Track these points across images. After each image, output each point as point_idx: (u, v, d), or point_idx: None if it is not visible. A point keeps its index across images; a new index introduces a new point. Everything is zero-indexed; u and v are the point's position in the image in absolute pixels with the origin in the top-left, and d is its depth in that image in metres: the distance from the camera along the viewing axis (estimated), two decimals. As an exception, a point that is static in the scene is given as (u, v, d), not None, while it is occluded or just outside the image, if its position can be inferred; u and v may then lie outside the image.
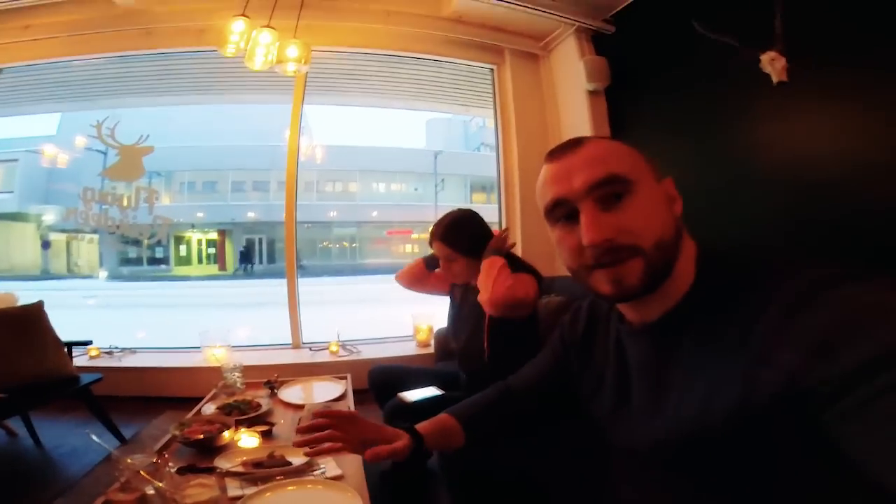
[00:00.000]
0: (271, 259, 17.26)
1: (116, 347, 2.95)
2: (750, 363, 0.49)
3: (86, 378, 2.04)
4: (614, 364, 0.69)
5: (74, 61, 3.15)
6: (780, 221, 1.98)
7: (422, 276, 1.90)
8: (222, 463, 1.13)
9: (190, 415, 1.49)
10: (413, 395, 1.56)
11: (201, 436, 1.23)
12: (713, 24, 2.08)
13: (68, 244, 15.61)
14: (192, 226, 16.66)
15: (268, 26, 2.40)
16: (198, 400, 1.73)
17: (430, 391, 1.60)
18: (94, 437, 1.06)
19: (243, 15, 2.37)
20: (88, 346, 2.72)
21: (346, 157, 16.80)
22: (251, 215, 16.83)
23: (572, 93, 3.10)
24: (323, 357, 2.95)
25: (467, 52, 3.32)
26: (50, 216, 14.16)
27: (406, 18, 3.07)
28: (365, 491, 1.02)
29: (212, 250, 17.76)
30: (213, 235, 17.59)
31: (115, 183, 3.21)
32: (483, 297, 1.45)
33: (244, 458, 1.14)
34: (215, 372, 2.08)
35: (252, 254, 17.14)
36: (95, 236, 13.84)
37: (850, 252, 1.72)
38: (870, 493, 0.40)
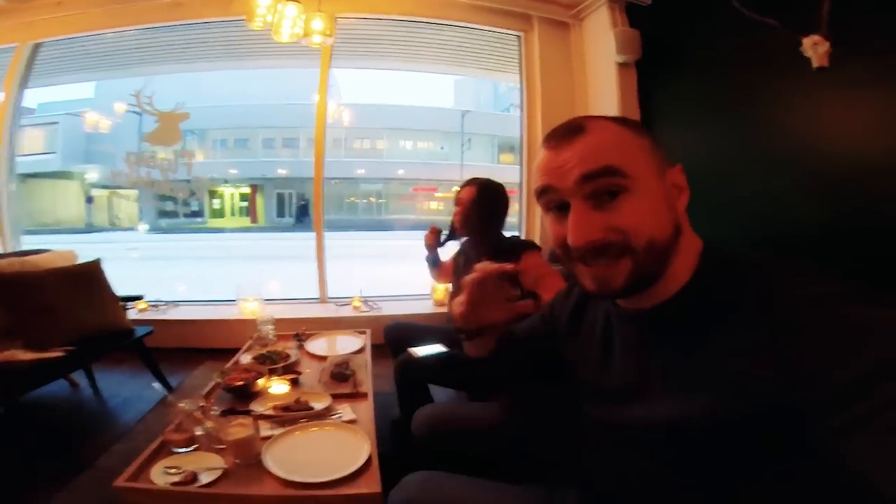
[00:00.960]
0: (302, 213, 17.69)
1: (161, 301, 3.21)
2: (735, 373, 0.48)
3: (139, 331, 2.25)
4: (599, 343, 0.69)
5: (107, 33, 3.24)
6: (812, 211, 1.92)
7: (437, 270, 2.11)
8: (256, 407, 1.32)
9: (229, 364, 1.69)
10: (421, 350, 1.70)
11: (240, 382, 1.41)
12: (754, 4, 1.99)
13: (110, 199, 16.35)
14: (225, 181, 17.11)
15: None
16: (234, 351, 1.93)
17: (437, 348, 1.73)
18: (155, 385, 1.24)
19: None
20: (137, 301, 2.98)
21: (374, 115, 16.69)
22: (282, 171, 17.12)
23: (602, 64, 3.01)
24: (346, 312, 3.15)
25: (493, 18, 3.25)
26: (92, 174, 14.80)
27: None
28: (373, 434, 1.18)
29: (244, 204, 18.28)
30: (245, 190, 18.04)
31: (155, 147, 3.39)
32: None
33: (275, 403, 1.32)
34: (249, 324, 2.29)
35: (308, 209, 17.75)
36: (135, 192, 14.45)
37: (878, 248, 1.67)
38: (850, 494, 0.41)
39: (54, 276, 2.07)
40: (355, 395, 1.46)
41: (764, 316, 0.47)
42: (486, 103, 20.92)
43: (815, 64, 1.79)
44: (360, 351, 1.93)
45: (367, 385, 1.52)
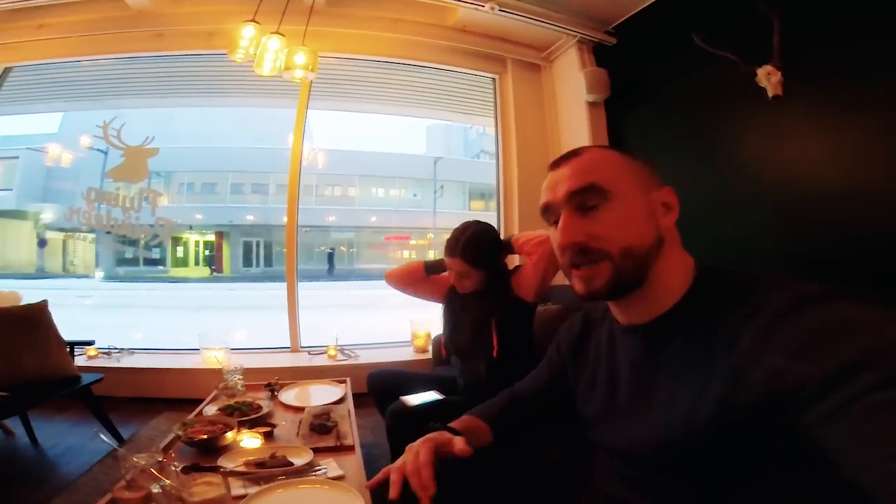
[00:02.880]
0: (268, 262, 17.23)
1: (115, 348, 2.95)
2: (735, 367, 0.52)
3: (87, 378, 2.04)
4: (606, 362, 0.73)
5: (83, 61, 3.19)
6: (774, 236, 2.01)
7: (417, 280, 1.89)
8: (226, 463, 1.15)
9: (192, 415, 1.51)
10: (415, 398, 1.58)
11: (205, 436, 1.24)
12: (712, 38, 2.13)
13: (65, 243, 15.54)
14: (190, 227, 16.62)
15: (276, 32, 2.44)
16: (196, 402, 1.74)
17: (432, 395, 1.62)
18: (104, 437, 1.07)
19: (253, 20, 2.41)
20: (87, 347, 2.73)
21: (346, 161, 16.86)
22: (250, 218, 16.81)
23: (572, 103, 3.15)
24: (321, 361, 2.97)
25: (470, 61, 3.38)
26: (48, 214, 14.12)
27: (412, 27, 3.13)
28: (366, 491, 1.04)
29: (208, 253, 17.71)
30: (211, 237, 17.55)
31: (118, 183, 3.23)
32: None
33: (247, 458, 1.16)
34: (214, 374, 2.10)
35: (334, 258, 17.97)
36: (92, 235, 13.81)
37: (840, 268, 1.74)
38: (848, 494, 0.42)
39: None
40: (339, 448, 1.31)
41: (756, 318, 0.52)
42: (456, 149, 21.55)
43: (770, 93, 1.91)
44: (342, 401, 1.77)
45: (352, 437, 1.37)
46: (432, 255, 19.79)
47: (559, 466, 1.02)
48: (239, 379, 1.83)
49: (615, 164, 0.65)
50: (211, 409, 1.58)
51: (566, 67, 3.22)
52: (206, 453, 1.23)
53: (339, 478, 1.12)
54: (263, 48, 2.41)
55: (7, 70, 3.14)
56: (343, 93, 3.58)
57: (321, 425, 1.41)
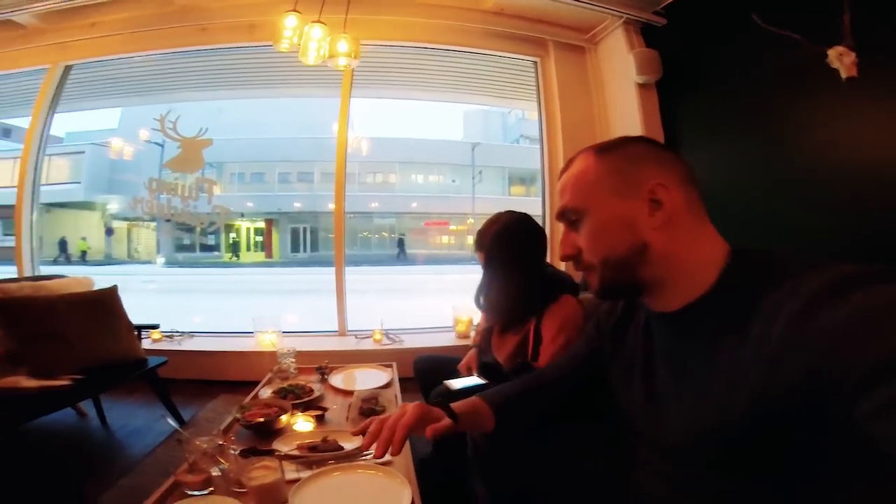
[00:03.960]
0: (315, 248, 17.75)
1: (177, 331, 3.11)
2: (770, 356, 0.49)
3: (152, 361, 2.14)
4: (642, 349, 0.71)
5: (135, 57, 3.31)
6: (848, 224, 1.85)
7: None
8: (280, 446, 1.18)
9: (248, 398, 1.56)
10: (458, 383, 1.57)
11: (261, 419, 1.27)
12: (773, 18, 1.97)
13: (129, 231, 16.62)
14: (242, 215, 17.36)
15: (318, 21, 2.43)
16: (251, 383, 1.80)
17: (474, 380, 1.60)
18: (169, 420, 1.12)
19: (294, 10, 2.41)
20: (152, 330, 2.89)
21: (386, 148, 17.00)
22: (297, 205, 17.33)
23: (621, 86, 3.00)
24: (367, 345, 3.01)
25: (509, 44, 3.27)
26: (114, 205, 15.09)
27: (448, 12, 3.07)
28: (412, 475, 1.04)
29: (259, 238, 18.45)
30: (261, 224, 18.25)
31: (176, 173, 3.37)
32: None
33: (300, 442, 1.18)
34: (267, 356, 2.17)
35: (405, 243, 18.13)
36: (153, 224, 14.67)
37: None
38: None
39: (66, 302, 1.99)
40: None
41: (790, 303, 0.49)
42: (495, 135, 21.27)
43: (843, 75, 1.76)
44: (388, 385, 1.78)
45: None
46: (471, 241, 19.65)
47: (601, 458, 0.98)
48: (292, 362, 1.87)
49: (589, 179, 0.66)
50: (266, 392, 1.63)
51: (613, 49, 3.06)
52: (261, 436, 1.26)
53: (387, 463, 1.12)
54: (307, 37, 2.41)
55: (68, 69, 3.31)
56: (383, 80, 3.56)
57: (370, 409, 1.42)
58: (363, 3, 2.81)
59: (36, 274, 3.17)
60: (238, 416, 1.32)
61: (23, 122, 3.45)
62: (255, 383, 1.77)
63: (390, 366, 1.97)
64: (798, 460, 0.50)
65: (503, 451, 1.06)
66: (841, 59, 1.74)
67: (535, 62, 3.38)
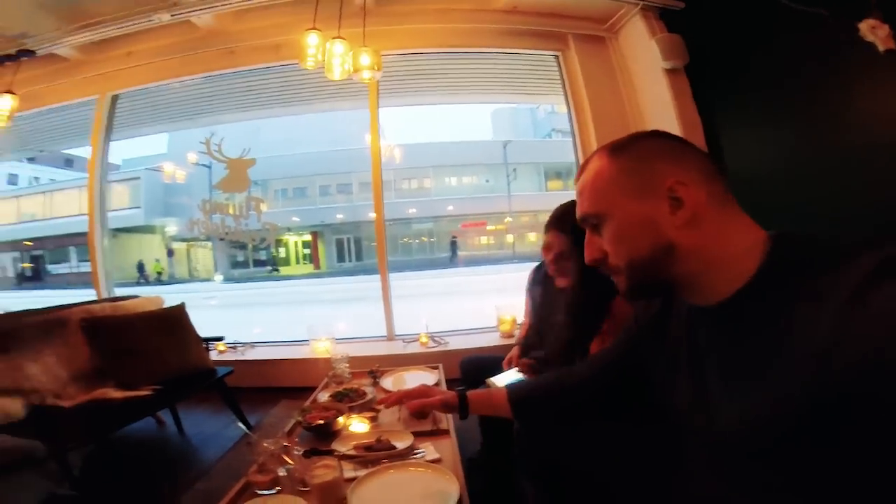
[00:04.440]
0: (359, 257, 18.16)
1: (239, 343, 3.30)
2: (824, 341, 0.46)
3: (220, 371, 2.30)
4: (686, 343, 0.68)
5: (173, 83, 3.52)
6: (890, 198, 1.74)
7: None
8: (338, 446, 1.24)
9: (308, 402, 1.64)
10: (500, 380, 1.59)
11: (321, 421, 1.35)
12: None
13: (188, 251, 17.63)
14: (289, 229, 18.04)
15: (338, 37, 2.53)
16: (308, 389, 1.90)
17: (514, 375, 1.61)
18: (240, 425, 1.21)
19: (314, 28, 2.51)
20: (217, 342, 3.09)
21: (419, 154, 17.19)
22: (339, 217, 17.81)
23: (648, 73, 2.93)
24: (414, 348, 3.08)
25: (527, 41, 3.26)
26: (171, 227, 16.05)
27: (461, 15, 3.10)
28: (460, 473, 1.07)
29: (307, 251, 19.10)
30: (308, 237, 18.87)
31: (226, 193, 3.56)
32: None
33: (356, 442, 1.24)
34: (322, 363, 2.27)
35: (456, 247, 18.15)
36: (209, 243, 15.51)
37: None
38: None
39: (142, 320, 2.17)
40: (436, 433, 1.35)
41: (842, 287, 0.46)
42: (525, 131, 21.04)
43: (881, 47, 1.69)
44: (436, 386, 1.83)
45: (447, 421, 1.41)
46: (510, 240, 19.61)
47: (647, 453, 0.97)
48: (346, 367, 1.96)
49: (604, 182, 0.65)
50: (323, 396, 1.72)
51: (634, 37, 3.00)
52: (321, 437, 1.33)
53: (436, 461, 1.16)
54: (330, 54, 2.51)
55: (115, 98, 3.55)
56: (408, 88, 3.62)
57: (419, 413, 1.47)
58: (378, 14, 2.91)
59: (111, 295, 3.44)
60: (300, 419, 1.40)
61: (81, 152, 3.70)
62: (312, 388, 1.86)
63: (437, 367, 2.03)
64: (852, 450, 0.47)
65: (549, 450, 1.07)
66: (875, 32, 1.67)
67: (557, 56, 3.34)
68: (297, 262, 18.94)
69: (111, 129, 3.59)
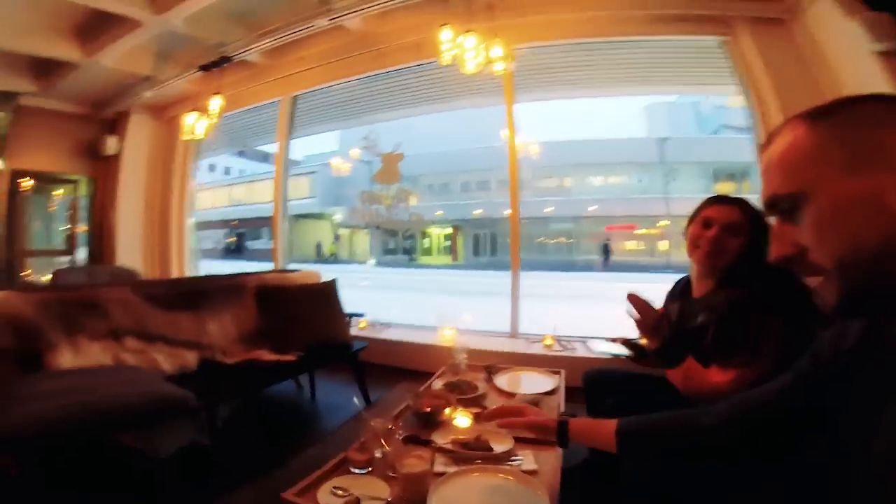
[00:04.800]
0: (493, 252, 18.38)
1: (378, 321, 3.58)
2: None
3: (357, 345, 2.50)
4: None
5: (338, 84, 3.89)
6: None
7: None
8: (438, 438, 1.22)
9: (422, 388, 1.67)
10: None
11: (428, 409, 1.34)
12: None
13: (351, 236, 19.98)
14: (433, 222, 19.15)
15: (469, 31, 2.53)
16: (427, 374, 1.93)
17: (617, 348, 1.51)
18: (356, 400, 1.27)
19: (446, 24, 2.55)
20: (359, 318, 3.38)
21: (559, 151, 16.43)
22: (477, 212, 18.23)
23: (851, 57, 2.34)
24: (537, 349, 2.96)
25: (679, 27, 2.84)
26: (338, 215, 18.38)
27: (598, 2, 2.83)
28: (556, 489, 0.96)
29: (447, 243, 20.04)
30: (448, 230, 19.79)
31: (382, 185, 3.89)
32: None
33: (455, 437, 1.20)
34: (444, 351, 2.30)
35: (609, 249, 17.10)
36: (367, 230, 17.40)
37: None
38: None
39: (302, 291, 2.46)
40: (541, 442, 1.24)
41: None
42: (686, 128, 18.66)
43: None
44: (553, 392, 1.70)
45: None
46: (663, 247, 17.62)
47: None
48: (464, 358, 1.95)
49: (803, 153, 0.50)
50: (437, 384, 1.73)
51: (823, 18, 2.44)
52: (425, 425, 1.32)
53: (532, 472, 1.05)
54: (462, 48, 2.53)
55: (294, 99, 4.09)
56: (546, 81, 3.42)
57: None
58: (508, 7, 2.82)
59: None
60: (410, 402, 1.42)
61: (272, 148, 4.36)
62: (432, 374, 1.89)
63: (558, 373, 1.88)
64: None
65: (663, 482, 0.97)
66: None
67: (722, 42, 2.84)
68: (438, 252, 19.99)
69: (293, 127, 4.19)
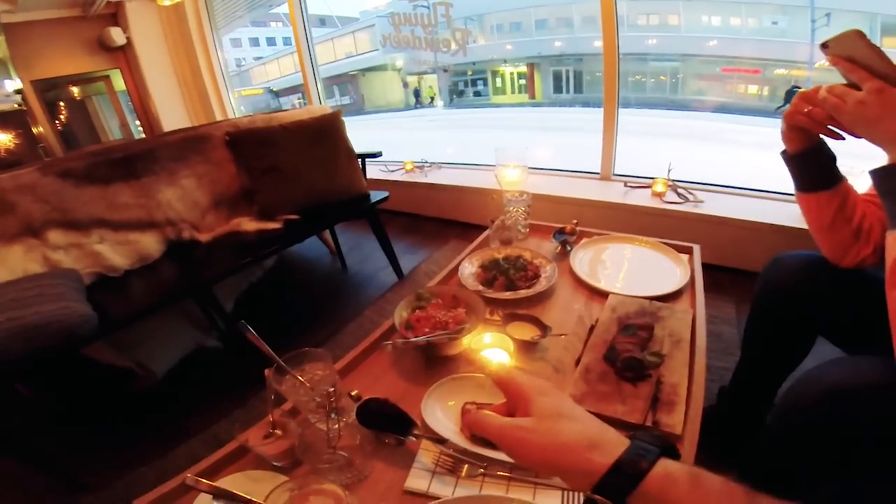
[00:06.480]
0: (578, 90, 16.33)
1: (426, 162, 2.78)
2: None
3: (374, 196, 1.75)
4: None
5: None
6: None
7: None
8: (434, 400, 0.51)
9: (435, 280, 0.95)
10: None
11: (422, 338, 0.63)
12: None
13: (419, 82, 18.91)
14: (504, 61, 17.12)
15: None
16: (483, 227, 1.23)
17: None
18: (249, 328, 0.56)
19: None
20: (404, 161, 2.63)
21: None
22: (557, 44, 15.65)
23: None
24: (641, 199, 1.89)
25: None
26: (399, 62, 17.19)
27: None
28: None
29: (522, 81, 18.24)
30: (523, 69, 17.86)
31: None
32: None
33: (467, 402, 0.51)
34: (504, 197, 1.50)
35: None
36: (435, 75, 16.00)
37: None
38: None
39: (287, 131, 1.68)
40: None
41: None
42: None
43: None
44: (679, 294, 0.86)
45: (682, 398, 0.54)
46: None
47: None
48: (522, 211, 1.16)
49: None
50: (470, 268, 0.97)
51: None
52: (429, 360, 0.63)
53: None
54: None
55: None
56: None
57: (630, 361, 0.60)
58: None
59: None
60: (405, 313, 0.71)
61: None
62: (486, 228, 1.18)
63: (688, 250, 1.01)
64: None
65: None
66: None
67: None
68: (513, 91, 18.31)
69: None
